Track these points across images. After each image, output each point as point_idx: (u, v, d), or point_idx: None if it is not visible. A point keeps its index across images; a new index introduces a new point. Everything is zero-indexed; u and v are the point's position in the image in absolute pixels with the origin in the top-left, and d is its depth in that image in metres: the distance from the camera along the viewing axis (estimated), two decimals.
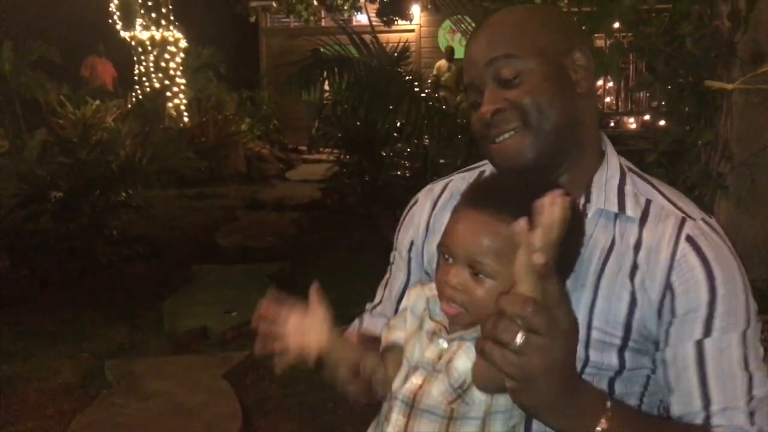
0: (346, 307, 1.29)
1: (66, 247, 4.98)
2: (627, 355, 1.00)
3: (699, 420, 0.95)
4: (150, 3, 9.98)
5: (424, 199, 1.22)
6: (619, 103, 6.73)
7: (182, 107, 10.21)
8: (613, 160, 1.07)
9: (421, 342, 1.00)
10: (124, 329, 3.96)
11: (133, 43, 10.24)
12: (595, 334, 1.00)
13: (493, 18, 1.08)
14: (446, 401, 0.93)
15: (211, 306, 4.17)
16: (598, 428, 0.86)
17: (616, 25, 2.38)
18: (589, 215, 1.02)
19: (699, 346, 0.95)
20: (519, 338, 0.77)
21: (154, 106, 9.63)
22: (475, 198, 0.97)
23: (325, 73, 6.34)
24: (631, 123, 6.34)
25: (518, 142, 1.01)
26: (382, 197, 6.64)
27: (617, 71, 2.36)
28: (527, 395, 0.81)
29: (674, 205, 1.03)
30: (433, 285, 1.01)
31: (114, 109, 9.02)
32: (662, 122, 2.46)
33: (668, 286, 0.98)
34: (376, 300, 1.26)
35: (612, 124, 6.64)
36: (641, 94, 5.91)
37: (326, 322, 1.02)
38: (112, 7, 10.26)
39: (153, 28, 10.10)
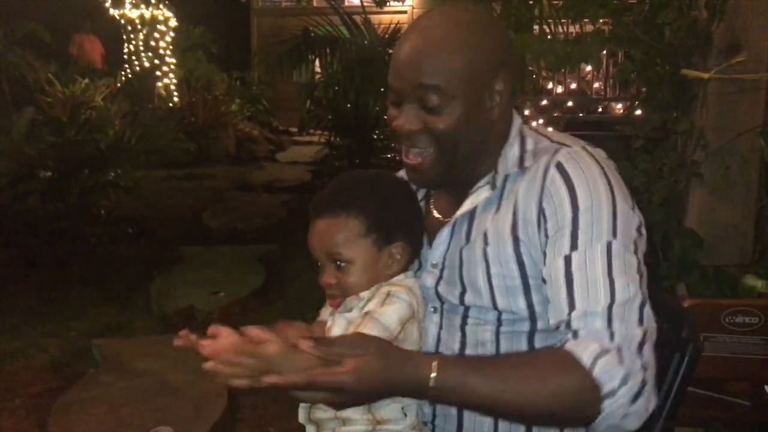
0: None
1: (54, 227, 4.98)
2: (534, 297, 1.07)
3: (563, 326, 1.01)
4: None
5: None
6: (608, 89, 6.76)
7: (172, 87, 10.14)
8: (513, 133, 1.15)
9: None
10: (112, 309, 3.99)
11: (122, 21, 10.14)
12: (495, 280, 1.08)
13: (426, 25, 1.09)
14: None
15: (199, 287, 4.19)
16: (433, 374, 0.94)
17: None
18: (498, 183, 1.11)
19: (567, 260, 1.02)
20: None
21: (144, 86, 9.54)
22: (313, 209, 1.17)
23: (315, 54, 6.30)
24: (619, 108, 6.38)
25: (427, 165, 1.11)
26: None
27: (597, 60, 2.39)
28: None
29: (558, 143, 1.11)
30: None
31: (103, 88, 8.94)
32: (639, 111, 2.49)
33: (541, 211, 1.05)
34: None
35: (600, 110, 6.68)
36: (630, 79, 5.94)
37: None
38: None
39: (143, 6, 10.00)
